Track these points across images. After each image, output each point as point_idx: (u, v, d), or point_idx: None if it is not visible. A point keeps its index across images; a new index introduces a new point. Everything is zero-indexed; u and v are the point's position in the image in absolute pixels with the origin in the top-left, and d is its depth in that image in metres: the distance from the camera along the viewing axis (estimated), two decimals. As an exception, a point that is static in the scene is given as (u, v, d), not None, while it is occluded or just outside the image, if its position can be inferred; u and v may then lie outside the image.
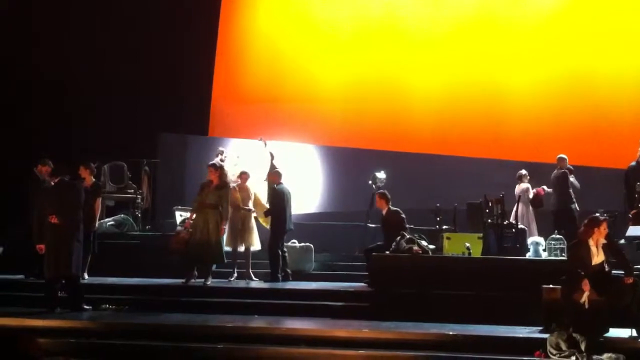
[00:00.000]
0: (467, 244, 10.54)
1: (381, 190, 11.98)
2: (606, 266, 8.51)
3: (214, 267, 11.27)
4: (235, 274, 11.79)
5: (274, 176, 12.27)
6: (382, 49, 16.24)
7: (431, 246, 10.91)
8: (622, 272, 8.50)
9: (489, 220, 11.03)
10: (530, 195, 13.13)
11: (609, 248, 8.55)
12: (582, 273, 8.26)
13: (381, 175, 13.26)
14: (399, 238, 10.68)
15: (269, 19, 17.02)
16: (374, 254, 10.72)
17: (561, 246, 10.88)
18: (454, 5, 16.17)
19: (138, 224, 14.26)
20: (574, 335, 7.90)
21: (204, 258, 11.06)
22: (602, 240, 8.47)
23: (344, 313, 9.82)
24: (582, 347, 7.78)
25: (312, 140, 16.31)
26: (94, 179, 11.57)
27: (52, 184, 10.11)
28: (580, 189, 12.84)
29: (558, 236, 11.10)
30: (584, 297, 8.21)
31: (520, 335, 8.52)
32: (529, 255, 10.92)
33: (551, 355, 7.84)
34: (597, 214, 8.94)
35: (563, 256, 10.72)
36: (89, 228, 10.77)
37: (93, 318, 9.52)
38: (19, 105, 15.63)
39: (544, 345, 7.95)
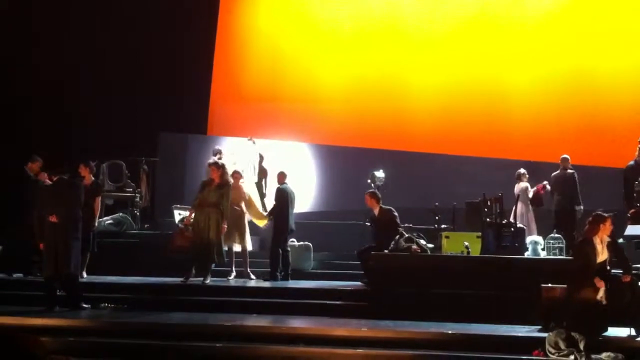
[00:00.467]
0: (466, 243, 10.55)
1: (371, 190, 11.90)
2: (608, 265, 8.53)
3: (212, 265, 11.26)
4: (234, 273, 11.80)
5: (279, 176, 12.25)
6: (382, 48, 16.26)
7: (430, 245, 10.93)
8: (621, 271, 8.50)
9: (488, 219, 11.03)
10: (530, 195, 13.13)
11: (612, 246, 8.55)
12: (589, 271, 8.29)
13: (380, 174, 13.26)
14: (397, 237, 10.68)
15: (269, 17, 17.03)
16: (372, 252, 10.70)
17: (560, 245, 10.89)
18: (454, 4, 16.18)
19: (137, 222, 14.26)
20: (573, 334, 7.89)
21: (205, 257, 11.04)
22: (607, 239, 8.48)
23: (343, 312, 9.82)
24: (581, 346, 7.77)
25: (311, 139, 16.32)
26: (93, 178, 11.57)
27: (48, 181, 10.10)
28: (579, 188, 12.84)
29: (557, 235, 11.12)
30: (601, 293, 8.24)
31: (519, 334, 8.51)
32: (528, 254, 10.93)
33: (550, 354, 7.83)
34: (600, 212, 8.93)
35: (562, 255, 10.75)
36: (89, 227, 10.78)
37: (92, 317, 9.52)
38: (19, 105, 15.63)
39: (542, 344, 7.94)
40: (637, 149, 12.22)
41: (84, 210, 10.15)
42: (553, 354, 7.82)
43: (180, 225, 11.85)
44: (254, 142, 14.56)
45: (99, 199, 11.45)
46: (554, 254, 10.81)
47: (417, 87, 15.93)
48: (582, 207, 12.51)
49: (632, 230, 11.13)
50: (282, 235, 11.83)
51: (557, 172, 12.88)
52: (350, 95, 16.20)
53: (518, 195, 12.88)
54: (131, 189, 14.60)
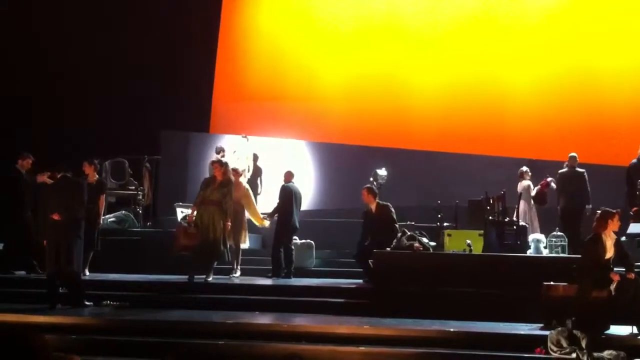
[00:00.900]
0: (468, 241, 10.55)
1: (368, 185, 11.81)
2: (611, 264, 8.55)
3: (215, 263, 11.26)
4: (239, 272, 11.78)
5: (286, 175, 12.23)
6: (383, 46, 16.26)
7: (432, 243, 10.91)
8: (623, 268, 8.50)
9: (490, 218, 11.03)
10: (533, 193, 13.08)
11: (616, 243, 8.55)
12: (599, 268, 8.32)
13: (382, 172, 13.22)
14: (400, 235, 10.67)
15: (271, 16, 17.05)
16: (375, 251, 10.64)
17: (562, 244, 10.88)
18: (455, 3, 16.18)
19: (139, 220, 14.28)
20: (575, 332, 7.89)
21: (208, 255, 11.02)
22: (613, 235, 8.48)
23: (345, 309, 9.81)
24: (583, 344, 7.77)
25: (313, 137, 16.33)
26: (97, 176, 11.58)
27: (49, 181, 10.09)
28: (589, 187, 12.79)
29: (559, 233, 11.10)
30: (615, 284, 8.25)
31: (521, 332, 8.51)
32: (530, 252, 10.92)
33: (552, 352, 7.83)
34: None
35: (564, 254, 10.74)
36: (94, 225, 10.78)
37: (94, 314, 9.52)
38: (19, 104, 15.64)
39: (544, 342, 7.93)
40: (640, 147, 12.22)
41: (88, 208, 10.15)
42: (555, 352, 7.82)
43: (182, 223, 11.84)
44: (247, 140, 14.54)
45: (103, 197, 11.47)
46: (556, 252, 10.80)
47: (419, 85, 15.93)
48: (590, 207, 12.43)
49: (634, 228, 11.13)
50: (285, 234, 11.82)
51: (564, 169, 12.66)
52: (352, 94, 16.21)
53: (520, 194, 12.84)
54: (134, 187, 14.62)
